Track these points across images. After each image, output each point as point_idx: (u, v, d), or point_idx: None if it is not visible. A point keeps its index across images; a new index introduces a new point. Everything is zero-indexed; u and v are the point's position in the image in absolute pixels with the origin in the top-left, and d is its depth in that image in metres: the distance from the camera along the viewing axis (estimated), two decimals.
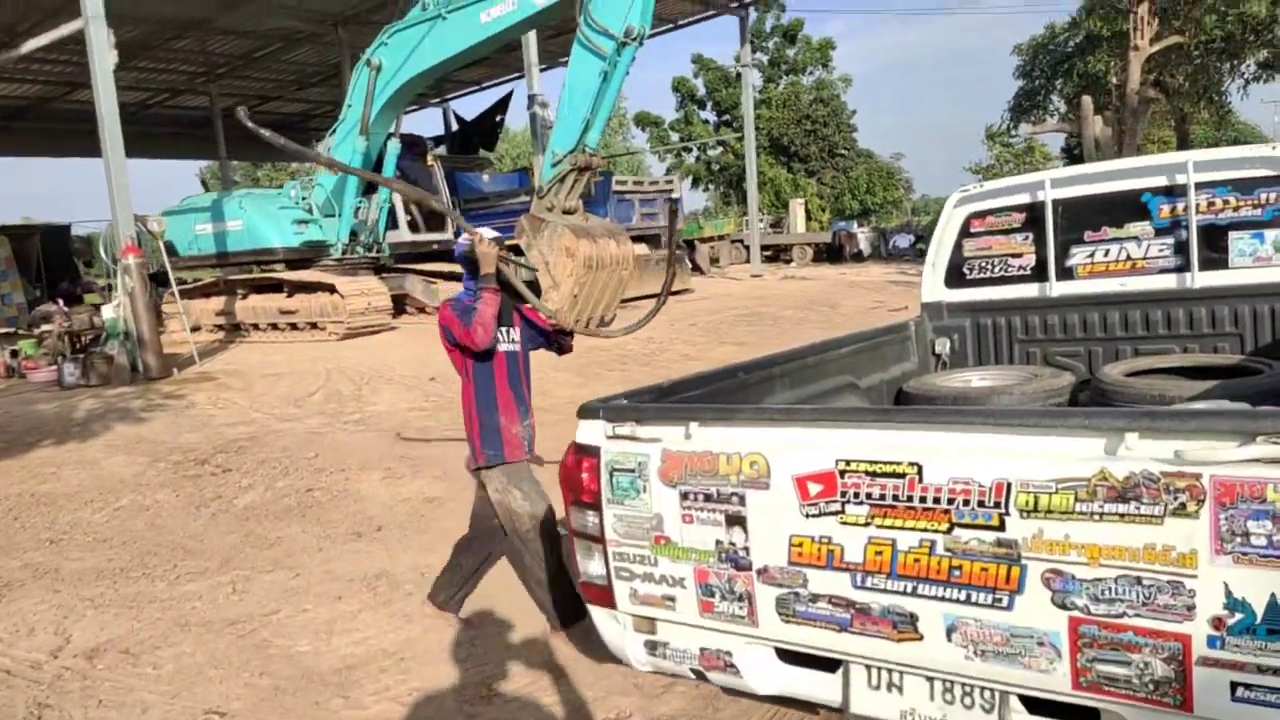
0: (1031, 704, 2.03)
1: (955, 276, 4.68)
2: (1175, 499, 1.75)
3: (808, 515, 2.20)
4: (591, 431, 2.60)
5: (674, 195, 6.11)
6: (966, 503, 1.98)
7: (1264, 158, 3.87)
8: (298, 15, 18.20)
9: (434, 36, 10.54)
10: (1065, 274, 4.36)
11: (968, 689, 2.10)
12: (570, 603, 3.73)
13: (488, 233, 3.93)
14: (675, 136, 41.22)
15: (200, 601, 4.63)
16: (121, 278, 10.36)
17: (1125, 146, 21.37)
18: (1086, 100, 21.69)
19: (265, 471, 6.74)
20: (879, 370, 4.25)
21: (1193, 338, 4.07)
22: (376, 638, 4.10)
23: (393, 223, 15.08)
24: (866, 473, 2.11)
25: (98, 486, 6.49)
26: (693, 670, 2.54)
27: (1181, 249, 4.05)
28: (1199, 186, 3.96)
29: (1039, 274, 4.43)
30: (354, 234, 13.90)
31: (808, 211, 37.14)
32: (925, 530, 2.04)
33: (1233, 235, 3.95)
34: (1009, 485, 1.93)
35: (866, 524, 2.12)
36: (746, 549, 2.31)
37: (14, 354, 11.72)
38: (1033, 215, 4.42)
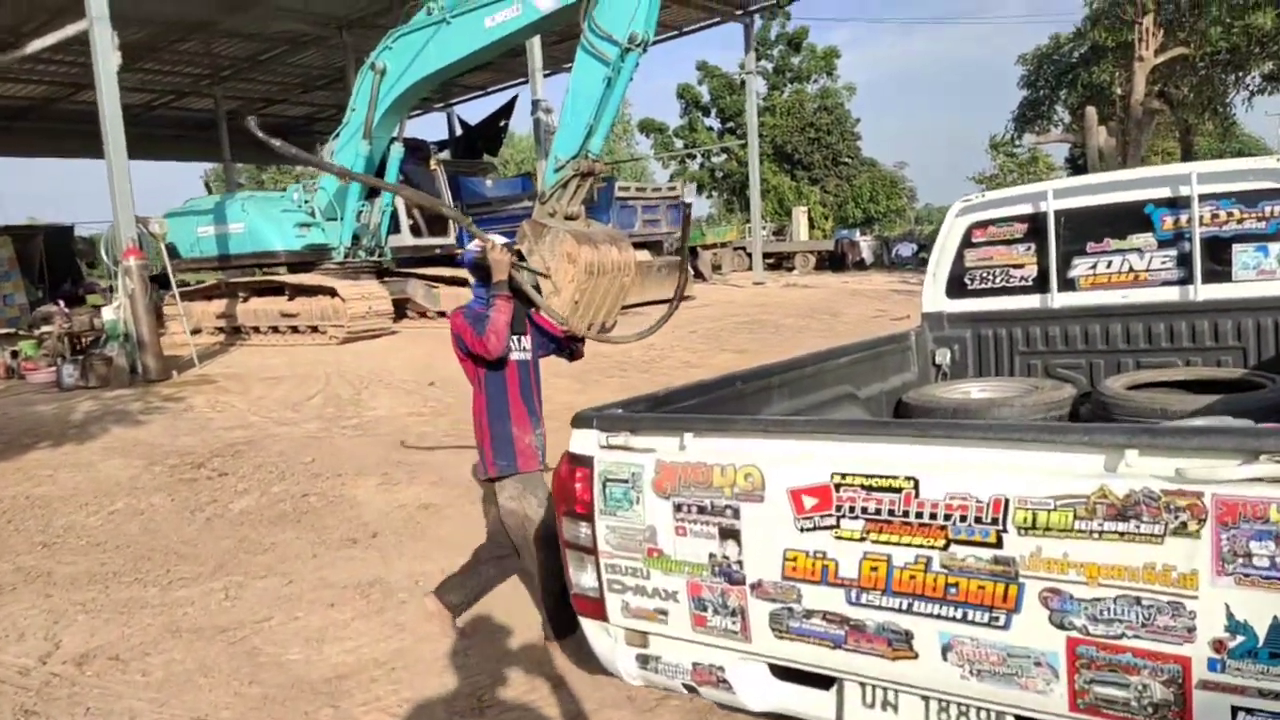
0: None
1: (956, 286, 4.65)
2: (1176, 518, 1.72)
3: (802, 529, 2.17)
4: (585, 441, 2.56)
5: (686, 201, 6.12)
6: (963, 519, 1.95)
7: (1268, 170, 3.84)
8: (303, 19, 18.25)
9: (438, 41, 10.54)
10: (1067, 285, 4.33)
11: (963, 709, 2.06)
12: (566, 614, 3.69)
13: (498, 239, 3.90)
14: (679, 143, 41.24)
15: (192, 607, 4.59)
16: (122, 279, 10.36)
17: (1129, 157, 21.34)
18: (1091, 111, 21.70)
19: (261, 476, 6.70)
20: (879, 381, 4.22)
21: (1195, 351, 4.04)
22: (368, 646, 4.06)
23: (395, 227, 15.08)
24: (862, 486, 2.08)
25: (93, 489, 6.46)
26: (685, 685, 2.50)
27: (1185, 261, 4.02)
28: (1203, 198, 3.93)
29: (1041, 285, 4.40)
30: (356, 238, 13.90)
31: (811, 219, 37.11)
32: (921, 546, 2.00)
33: (1236, 248, 3.92)
34: (1007, 501, 1.89)
35: (862, 539, 2.09)
36: (740, 563, 2.28)
37: (14, 355, 11.72)
38: (1035, 226, 4.39)
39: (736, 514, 2.26)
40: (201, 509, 6.12)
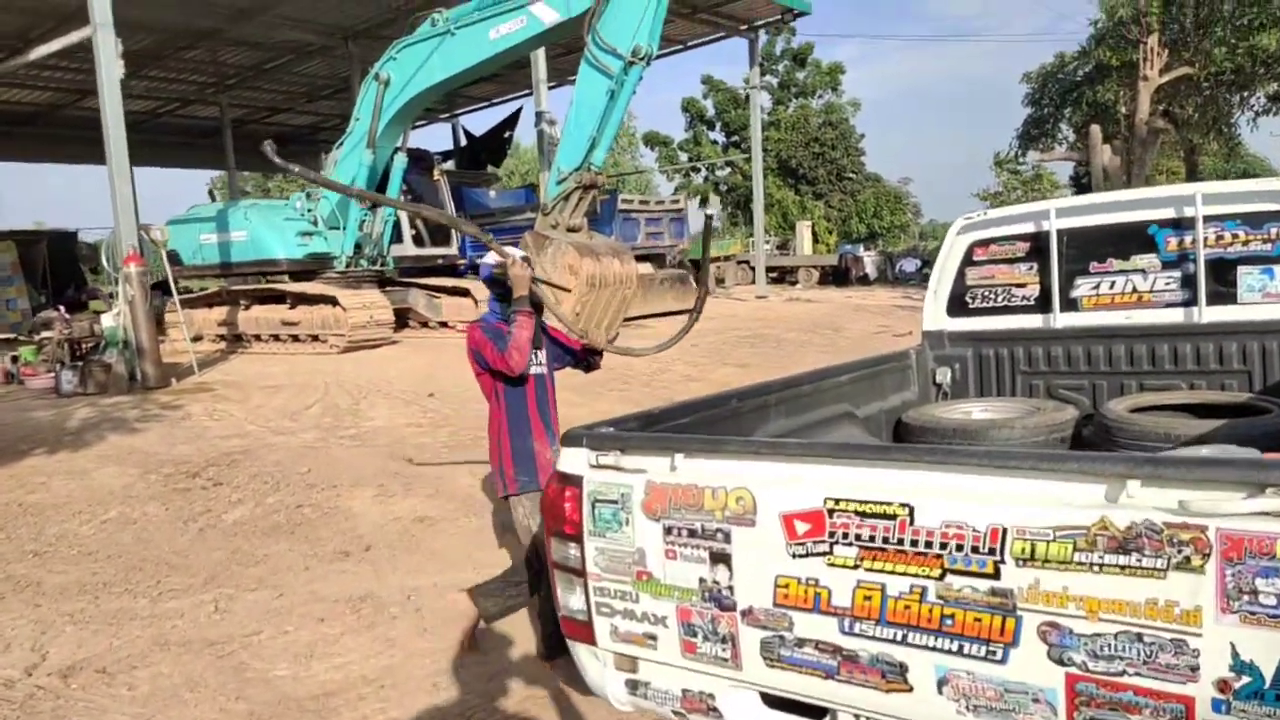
0: None
1: (958, 305, 4.60)
2: (1179, 552, 1.66)
3: (794, 555, 2.11)
4: (574, 460, 2.51)
5: (709, 213, 6.06)
6: (960, 548, 1.89)
7: (1274, 191, 3.80)
8: (309, 28, 18.30)
9: (442, 52, 10.55)
10: (1070, 305, 4.28)
11: None
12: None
13: (515, 252, 3.87)
14: (684, 156, 41.30)
15: (181, 620, 4.53)
16: (122, 286, 10.34)
17: (1134, 176, 21.34)
18: (1095, 129, 21.72)
19: (256, 486, 6.65)
20: (878, 399, 4.17)
21: (1199, 374, 3.99)
22: (357, 663, 4.00)
23: (397, 236, 15.08)
24: (856, 512, 2.03)
25: (87, 498, 6.41)
26: (674, 712, 2.44)
27: (1189, 283, 3.97)
28: (1207, 219, 3.88)
29: (1043, 305, 4.36)
30: (359, 247, 13.89)
31: (814, 234, 37.09)
32: (916, 575, 1.95)
33: (1242, 270, 3.88)
34: (1004, 531, 1.84)
35: (855, 566, 2.03)
36: (731, 588, 2.22)
37: (14, 360, 11.69)
38: (1037, 245, 4.35)
39: (728, 538, 2.21)
40: (195, 519, 6.07)
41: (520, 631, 4.15)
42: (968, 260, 4.55)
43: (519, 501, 3.76)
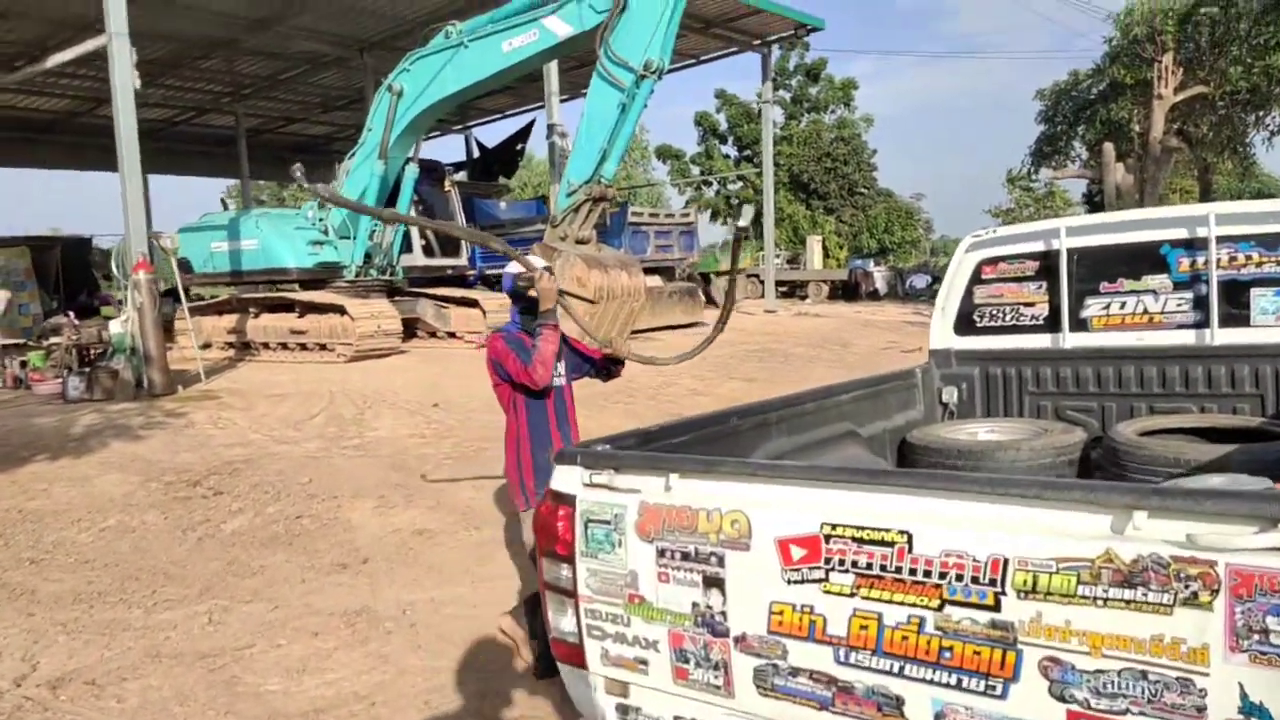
0: None
1: (965, 323, 4.54)
2: (1186, 587, 1.59)
3: (789, 581, 2.05)
4: (568, 478, 2.45)
5: (741, 225, 5.98)
6: (959, 578, 1.83)
7: None
8: (324, 39, 18.41)
9: (456, 64, 10.57)
10: (1079, 325, 4.21)
11: None
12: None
13: (539, 263, 3.83)
14: (696, 170, 41.34)
15: (174, 631, 4.49)
16: (131, 293, 10.36)
17: (1147, 195, 21.23)
18: (1108, 147, 21.61)
19: (256, 496, 6.62)
20: (882, 419, 4.10)
21: (1211, 397, 3.91)
22: (349, 679, 3.94)
23: (407, 246, 15.10)
24: (853, 539, 1.96)
25: (87, 505, 6.39)
26: None
27: (1201, 304, 3.90)
28: (1220, 240, 3.82)
29: (1052, 324, 4.29)
30: (369, 256, 13.91)
31: (825, 248, 37.01)
32: (914, 605, 1.88)
33: (1255, 292, 3.80)
34: (1006, 562, 1.77)
35: (851, 594, 1.97)
36: (724, 614, 2.16)
37: (23, 365, 11.72)
38: (1047, 264, 4.28)
39: (721, 562, 2.15)
40: (194, 528, 6.04)
41: (510, 650, 4.08)
42: (976, 278, 4.49)
43: (532, 515, 3.70)
